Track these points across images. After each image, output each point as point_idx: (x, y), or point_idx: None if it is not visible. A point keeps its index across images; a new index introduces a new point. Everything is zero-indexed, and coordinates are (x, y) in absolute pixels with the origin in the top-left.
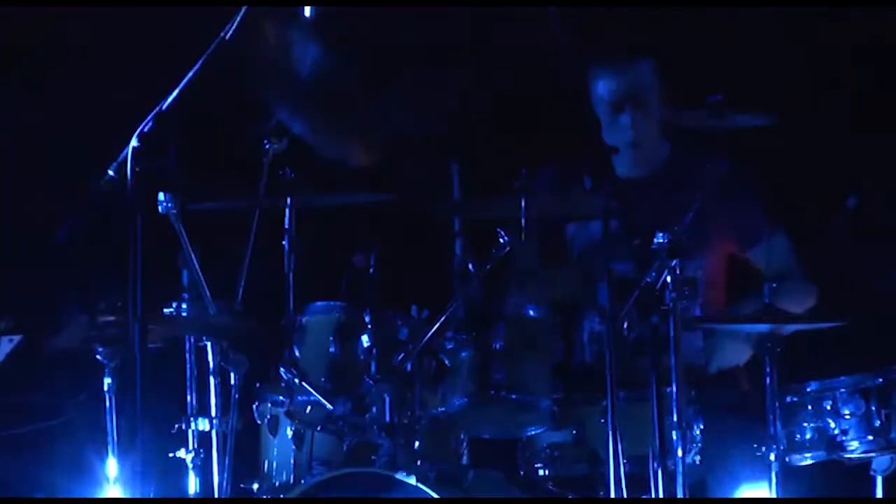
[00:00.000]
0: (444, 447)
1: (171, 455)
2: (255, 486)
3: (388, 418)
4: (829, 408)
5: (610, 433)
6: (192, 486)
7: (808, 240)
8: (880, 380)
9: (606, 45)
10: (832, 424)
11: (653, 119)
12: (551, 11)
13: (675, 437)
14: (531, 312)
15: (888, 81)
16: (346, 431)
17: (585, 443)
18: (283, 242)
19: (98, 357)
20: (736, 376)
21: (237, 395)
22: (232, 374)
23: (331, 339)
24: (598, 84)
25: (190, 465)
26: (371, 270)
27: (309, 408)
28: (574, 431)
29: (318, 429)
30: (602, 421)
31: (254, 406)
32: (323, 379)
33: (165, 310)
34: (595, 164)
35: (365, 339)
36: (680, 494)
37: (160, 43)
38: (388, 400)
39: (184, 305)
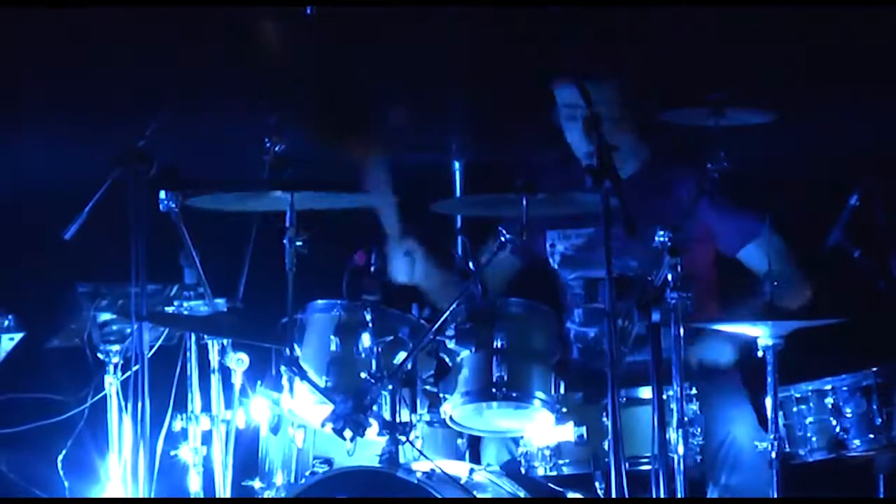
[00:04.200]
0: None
1: (172, 453)
2: (256, 485)
3: (389, 416)
4: (830, 406)
5: (611, 432)
6: (193, 484)
7: (808, 239)
8: (881, 378)
9: (570, 58)
10: (833, 422)
11: (610, 133)
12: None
13: (675, 437)
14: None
15: (888, 79)
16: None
17: (587, 442)
18: (284, 240)
19: (99, 355)
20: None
21: (238, 394)
22: (233, 372)
23: (331, 337)
24: (557, 90)
25: (191, 464)
26: (372, 268)
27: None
28: (578, 430)
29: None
30: (604, 419)
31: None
32: (324, 377)
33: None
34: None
35: (366, 337)
36: (680, 494)
37: (163, 42)
38: (389, 398)
39: (185, 303)
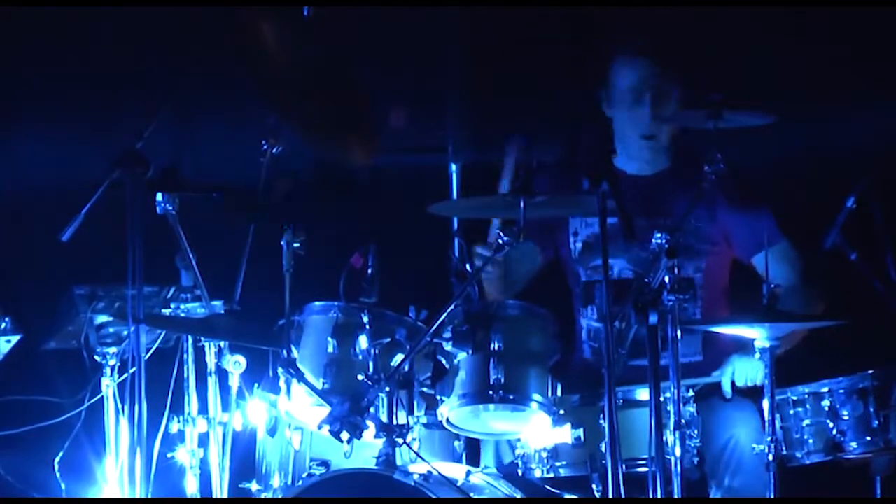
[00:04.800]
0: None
1: (169, 455)
2: (253, 487)
3: (386, 419)
4: (827, 408)
5: (608, 435)
6: (190, 486)
7: (806, 240)
8: (878, 381)
9: (633, 38)
10: (830, 425)
11: (670, 116)
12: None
13: (672, 439)
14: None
15: (887, 79)
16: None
17: (584, 444)
18: (282, 242)
19: (96, 357)
20: None
21: (235, 396)
22: (230, 375)
23: (329, 339)
24: (621, 72)
25: (188, 466)
26: (369, 270)
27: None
28: (576, 432)
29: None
30: (601, 421)
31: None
32: (321, 379)
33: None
34: (593, 164)
35: (363, 339)
36: (677, 496)
37: (162, 43)
38: (385, 400)
39: (182, 306)
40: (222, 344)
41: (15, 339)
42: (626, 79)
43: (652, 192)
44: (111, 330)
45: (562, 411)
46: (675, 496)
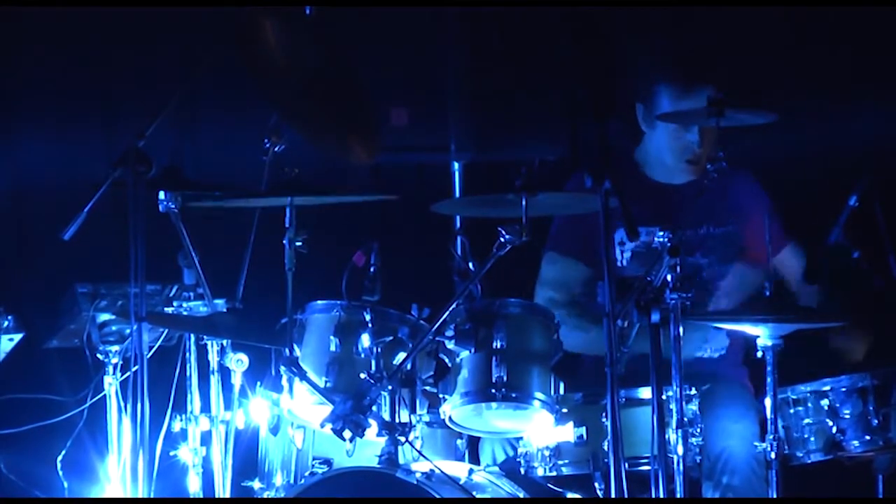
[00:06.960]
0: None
1: (171, 454)
2: (256, 486)
3: (388, 417)
4: (827, 407)
5: (610, 433)
6: (193, 485)
7: (808, 240)
8: (877, 379)
9: (671, 63)
10: (830, 424)
11: (712, 137)
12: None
13: (675, 437)
14: None
15: (887, 79)
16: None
17: (586, 442)
18: (284, 241)
19: (99, 356)
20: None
21: (238, 394)
22: (233, 373)
23: (331, 337)
24: (668, 101)
25: (191, 465)
26: (372, 269)
27: None
28: (578, 431)
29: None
30: (603, 419)
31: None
32: (323, 377)
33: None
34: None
35: (365, 337)
36: (679, 494)
37: (165, 42)
38: (388, 399)
39: (185, 304)
40: (225, 342)
41: (17, 337)
42: (682, 105)
43: (682, 202)
44: (113, 328)
45: (564, 409)
46: (678, 495)
